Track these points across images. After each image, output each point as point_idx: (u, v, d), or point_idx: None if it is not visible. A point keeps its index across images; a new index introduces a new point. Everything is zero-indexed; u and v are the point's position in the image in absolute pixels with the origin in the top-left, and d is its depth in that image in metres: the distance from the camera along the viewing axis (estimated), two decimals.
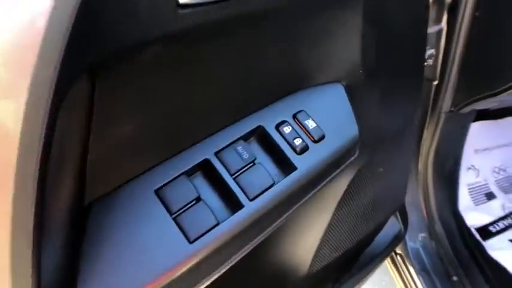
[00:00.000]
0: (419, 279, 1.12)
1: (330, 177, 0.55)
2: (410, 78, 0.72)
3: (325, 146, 0.52)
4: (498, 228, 1.30)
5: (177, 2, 0.37)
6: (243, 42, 0.47)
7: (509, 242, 1.27)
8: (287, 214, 0.52)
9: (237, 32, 0.45)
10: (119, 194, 0.44)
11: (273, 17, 0.47)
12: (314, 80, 0.57)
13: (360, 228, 0.77)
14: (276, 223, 0.52)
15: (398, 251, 1.15)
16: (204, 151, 0.49)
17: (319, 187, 0.54)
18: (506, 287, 1.15)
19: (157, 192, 0.45)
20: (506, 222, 1.33)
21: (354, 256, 0.87)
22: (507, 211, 1.36)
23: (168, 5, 0.37)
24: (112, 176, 0.44)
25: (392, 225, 0.90)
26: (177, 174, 0.46)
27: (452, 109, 0.97)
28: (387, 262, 1.17)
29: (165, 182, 0.46)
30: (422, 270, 1.11)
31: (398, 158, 0.78)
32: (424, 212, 1.12)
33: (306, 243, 0.68)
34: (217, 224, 0.45)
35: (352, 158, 0.57)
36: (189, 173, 0.47)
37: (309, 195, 0.54)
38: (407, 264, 1.13)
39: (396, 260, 1.16)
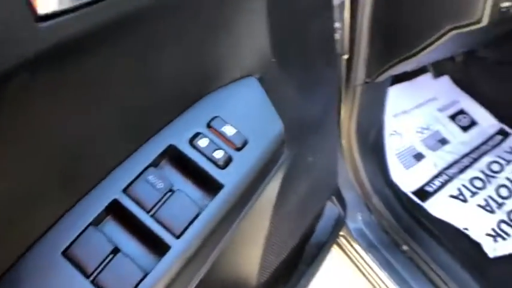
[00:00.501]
0: (369, 256, 1.11)
1: (263, 184, 0.50)
2: (325, 59, 0.68)
3: (250, 151, 0.47)
4: (435, 187, 1.33)
5: (36, 14, 0.30)
6: (128, 51, 0.40)
7: (450, 198, 1.31)
8: (224, 239, 0.46)
9: (118, 39, 0.38)
10: (20, 266, 0.36)
11: (158, 15, 0.41)
12: (223, 79, 0.51)
13: (300, 223, 0.74)
14: (214, 253, 0.46)
15: (342, 233, 1.13)
16: (110, 190, 0.42)
17: (253, 198, 0.49)
18: (456, 241, 1.18)
19: (65, 253, 0.38)
20: (441, 179, 1.36)
21: (299, 252, 0.84)
22: (440, 168, 1.39)
23: (24, 20, 0.29)
24: (6, 246, 0.36)
25: (331, 210, 0.88)
26: (84, 227, 0.39)
27: (367, 80, 0.95)
28: (334, 248, 1.16)
29: (71, 239, 0.39)
30: (370, 247, 1.11)
31: (325, 141, 0.75)
32: (358, 189, 1.11)
33: (248, 257, 0.63)
34: (145, 276, 0.38)
35: (282, 157, 0.52)
36: (98, 221, 0.41)
37: (245, 210, 0.48)
38: (354, 244, 1.12)
39: (342, 243, 1.15)
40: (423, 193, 1.30)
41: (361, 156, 1.09)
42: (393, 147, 1.40)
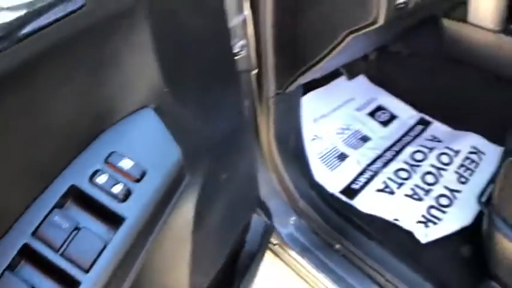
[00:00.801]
0: (304, 260, 1.16)
1: (167, 210, 0.53)
2: (225, 79, 0.72)
3: (149, 182, 0.50)
4: (361, 184, 1.40)
5: None
6: (19, 98, 0.42)
7: (377, 192, 1.38)
8: (135, 265, 0.49)
9: (9, 87, 0.41)
10: None
11: (46, 61, 0.43)
12: (119, 113, 0.54)
13: (226, 240, 0.77)
14: (127, 280, 0.49)
15: (275, 242, 1.18)
16: (20, 235, 0.44)
17: (159, 224, 0.52)
18: (387, 233, 1.25)
19: None
20: (366, 175, 1.43)
21: (231, 266, 0.87)
22: (363, 165, 1.47)
23: None
24: None
25: (258, 221, 0.92)
26: None
27: (278, 91, 1.00)
28: (271, 256, 1.20)
29: None
30: (304, 251, 1.16)
31: (239, 157, 0.79)
32: (284, 196, 1.16)
33: (176, 280, 0.66)
34: None
35: (185, 181, 0.56)
36: (13, 267, 0.43)
37: (153, 236, 0.51)
38: (288, 250, 1.17)
39: (277, 251, 1.19)
40: (350, 191, 1.36)
41: (284, 164, 1.14)
42: (316, 151, 1.46)
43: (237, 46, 0.93)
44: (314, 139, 1.50)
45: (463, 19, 1.53)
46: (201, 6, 0.65)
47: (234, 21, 0.90)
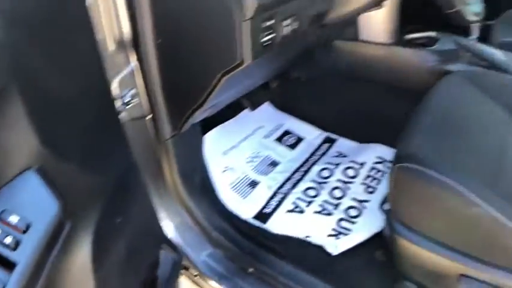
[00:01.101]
0: (223, 287, 1.24)
1: (55, 253, 0.62)
2: (108, 130, 0.81)
3: (33, 232, 0.60)
4: (272, 207, 1.50)
5: None
6: None
7: (287, 213, 1.48)
8: None
9: None
10: None
11: None
12: (4, 178, 0.62)
13: (132, 278, 0.84)
14: None
15: (195, 273, 1.26)
16: None
17: (49, 264, 0.61)
18: (300, 250, 1.34)
19: None
20: (277, 198, 1.53)
21: None
22: (274, 189, 1.57)
23: None
24: None
25: (166, 256, 1.00)
26: None
27: (174, 133, 1.10)
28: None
29: None
30: (222, 278, 1.23)
31: (134, 200, 0.87)
32: (197, 229, 1.24)
33: None
34: None
35: (66, 229, 0.65)
36: None
37: (45, 275, 0.60)
38: (207, 280, 1.25)
39: (197, 281, 1.27)
40: (263, 216, 1.46)
41: (192, 198, 1.23)
42: (227, 181, 1.55)
43: (128, 95, 1.02)
44: (225, 170, 1.59)
45: (354, 38, 1.70)
46: (75, 70, 0.74)
47: (123, 73, 1.00)
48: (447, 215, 0.98)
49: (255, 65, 0.98)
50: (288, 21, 0.97)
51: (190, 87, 1.03)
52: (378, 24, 1.62)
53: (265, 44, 0.95)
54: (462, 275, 1.00)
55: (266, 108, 1.92)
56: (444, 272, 1.02)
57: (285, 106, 1.93)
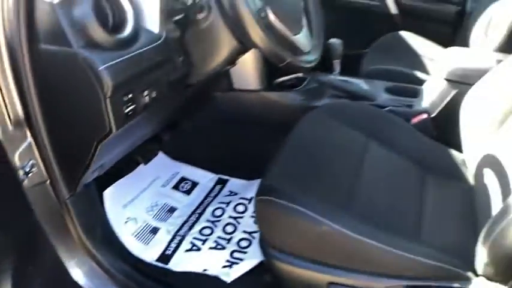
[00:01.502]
0: None
1: None
2: (8, 197, 0.99)
3: None
4: (173, 249, 1.68)
5: None
6: None
7: (186, 252, 1.67)
8: None
9: None
10: None
11: None
12: None
13: None
14: None
15: None
16: None
17: None
18: (198, 283, 1.53)
19: None
20: (176, 240, 1.71)
21: None
22: (173, 232, 1.75)
23: None
24: None
25: None
26: None
27: (71, 193, 1.25)
28: None
29: None
30: None
31: (42, 251, 1.04)
32: (105, 276, 1.39)
33: None
34: None
35: None
36: None
37: None
38: None
39: None
40: (164, 257, 1.64)
41: (97, 249, 1.37)
42: (130, 231, 1.71)
43: (28, 166, 1.19)
44: (127, 221, 1.75)
45: (231, 88, 1.95)
46: None
47: (21, 148, 1.17)
48: (304, 235, 1.19)
49: (131, 127, 1.19)
50: (146, 92, 1.17)
51: (76, 154, 1.19)
52: (248, 73, 1.85)
53: (128, 114, 1.14)
54: (331, 283, 1.20)
55: (160, 159, 2.09)
56: (316, 283, 1.22)
57: (179, 155, 2.12)
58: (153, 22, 1.17)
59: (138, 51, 1.10)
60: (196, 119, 2.02)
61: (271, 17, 1.24)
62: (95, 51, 1.03)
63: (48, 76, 1.07)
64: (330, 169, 1.36)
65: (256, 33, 1.16)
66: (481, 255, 1.05)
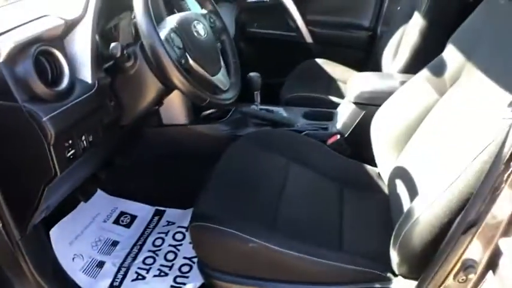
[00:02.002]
0: None
1: None
2: None
3: None
4: (119, 280, 1.80)
5: None
6: None
7: (132, 282, 1.80)
8: None
9: None
10: None
11: None
12: None
13: None
14: None
15: None
16: None
17: None
18: None
19: None
20: (122, 272, 1.84)
21: None
22: (118, 264, 1.87)
23: None
24: None
25: None
26: None
27: (22, 235, 1.32)
28: None
29: None
30: None
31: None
32: None
33: None
34: None
35: None
36: None
37: None
38: None
39: None
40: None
41: (49, 285, 1.43)
42: (78, 267, 1.82)
43: None
44: (74, 258, 1.85)
45: (160, 124, 2.07)
46: None
47: None
48: (236, 254, 1.30)
49: (72, 169, 1.29)
50: (84, 137, 1.30)
51: (25, 198, 1.28)
52: (175, 109, 1.98)
53: (70, 157, 1.26)
54: None
55: (99, 196, 2.19)
56: None
57: (116, 191, 2.23)
58: (86, 73, 1.30)
59: (75, 101, 1.22)
60: (130, 156, 2.10)
61: (191, 62, 1.39)
62: (38, 104, 1.14)
63: None
64: (256, 192, 1.49)
65: (177, 79, 1.30)
66: (394, 257, 1.19)
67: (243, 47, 3.12)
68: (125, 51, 1.35)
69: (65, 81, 1.23)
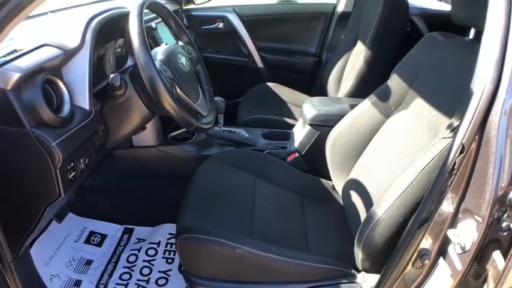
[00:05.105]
0: None
1: None
2: None
3: None
4: None
5: None
6: None
7: None
8: None
9: None
10: None
11: None
12: None
13: None
14: None
15: None
16: None
17: None
18: None
19: None
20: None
21: None
22: (95, 283, 1.97)
23: None
24: None
25: None
26: None
27: (14, 256, 1.37)
28: None
29: None
30: None
31: None
32: None
33: None
34: None
35: None
36: None
37: None
38: None
39: None
40: None
41: None
42: (56, 286, 1.90)
43: None
44: (52, 278, 1.93)
45: (131, 145, 2.15)
46: None
47: None
48: (223, 260, 1.40)
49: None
50: (82, 160, 1.40)
51: (23, 220, 1.36)
52: (146, 132, 2.02)
53: (71, 179, 1.35)
54: None
55: (70, 217, 2.29)
56: None
57: (84, 211, 2.33)
58: (83, 100, 1.42)
59: (78, 127, 1.34)
60: (98, 176, 2.19)
61: (179, 91, 1.53)
62: (45, 129, 1.23)
63: (3, 152, 1.24)
64: (230, 205, 1.64)
65: (172, 108, 1.43)
66: (358, 254, 1.35)
67: None
68: (122, 81, 1.48)
69: (67, 108, 1.33)
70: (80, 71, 1.42)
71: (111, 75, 1.46)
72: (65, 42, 1.41)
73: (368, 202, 1.48)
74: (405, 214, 1.24)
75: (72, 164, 1.35)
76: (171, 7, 2.92)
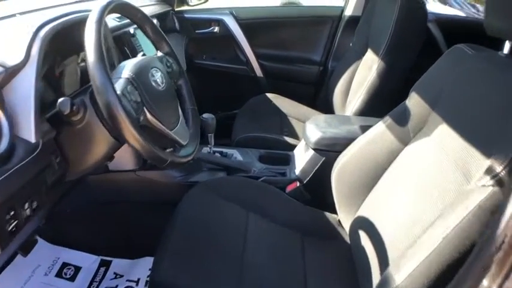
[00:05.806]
0: None
1: None
2: None
3: None
4: None
5: None
6: None
7: None
8: None
9: None
10: None
11: None
12: None
13: None
14: None
15: None
16: None
17: None
18: None
19: None
20: None
21: None
22: None
23: None
24: None
25: None
26: None
27: None
28: None
29: None
30: None
31: None
32: None
33: None
34: None
35: None
36: None
37: None
38: None
39: None
40: None
41: None
42: None
43: None
44: None
45: (106, 170, 1.95)
46: None
47: None
48: None
49: None
50: (27, 204, 1.14)
51: None
52: (123, 155, 1.85)
53: (12, 231, 1.09)
54: None
55: (39, 244, 2.03)
56: None
57: (57, 239, 2.09)
58: (28, 130, 1.14)
59: (18, 166, 1.07)
60: (70, 202, 1.93)
61: (149, 117, 1.26)
62: None
63: None
64: (217, 249, 1.41)
65: (137, 141, 1.15)
66: None
67: (190, 79, 3.05)
68: (74, 107, 1.20)
69: (4, 143, 1.06)
70: (23, 91, 1.14)
71: (59, 100, 1.18)
72: (5, 58, 1.14)
73: (381, 251, 1.25)
74: (429, 285, 1.01)
75: (12, 213, 1.09)
76: (161, 8, 2.68)
